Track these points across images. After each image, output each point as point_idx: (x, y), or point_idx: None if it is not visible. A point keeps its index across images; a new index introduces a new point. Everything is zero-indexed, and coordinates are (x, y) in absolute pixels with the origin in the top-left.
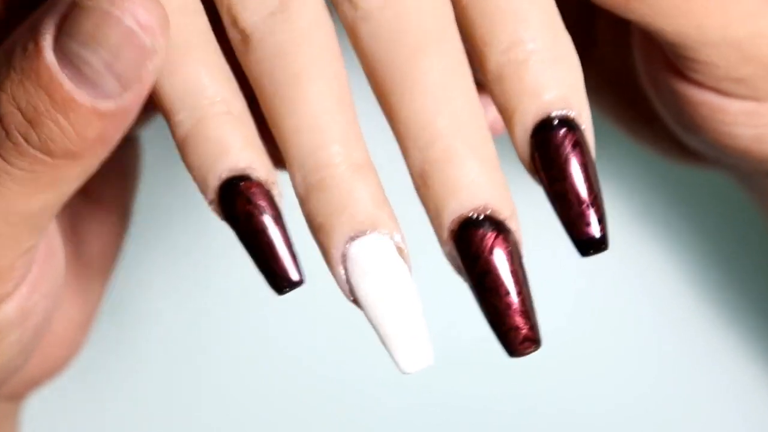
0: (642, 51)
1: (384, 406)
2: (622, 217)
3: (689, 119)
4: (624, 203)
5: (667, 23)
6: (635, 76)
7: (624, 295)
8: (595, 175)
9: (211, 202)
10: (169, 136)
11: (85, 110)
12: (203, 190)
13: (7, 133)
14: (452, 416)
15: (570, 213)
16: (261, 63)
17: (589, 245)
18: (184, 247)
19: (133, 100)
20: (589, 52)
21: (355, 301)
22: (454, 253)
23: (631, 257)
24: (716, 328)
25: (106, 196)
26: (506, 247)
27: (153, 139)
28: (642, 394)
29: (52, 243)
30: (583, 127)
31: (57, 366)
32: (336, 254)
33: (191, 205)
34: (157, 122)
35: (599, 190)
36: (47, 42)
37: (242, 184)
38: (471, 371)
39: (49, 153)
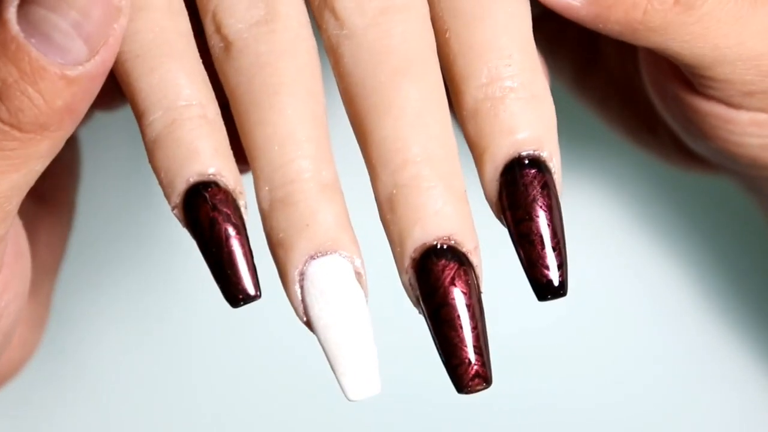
0: (648, 62)
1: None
2: (620, 219)
3: (697, 129)
4: (619, 202)
5: (682, 47)
6: (640, 84)
7: (621, 295)
8: (561, 221)
9: (174, 207)
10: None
11: (53, 77)
12: (168, 194)
13: None
14: (452, 417)
15: (531, 254)
16: (240, 71)
17: (546, 290)
18: (129, 253)
19: (100, 66)
20: (594, 61)
21: (308, 323)
22: (414, 281)
23: (628, 257)
24: (714, 329)
25: (53, 194)
26: (466, 281)
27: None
28: (639, 394)
29: (20, 242)
30: (553, 170)
31: (12, 369)
32: (293, 272)
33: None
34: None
35: (563, 236)
36: (11, 14)
37: (209, 190)
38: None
39: (18, 127)
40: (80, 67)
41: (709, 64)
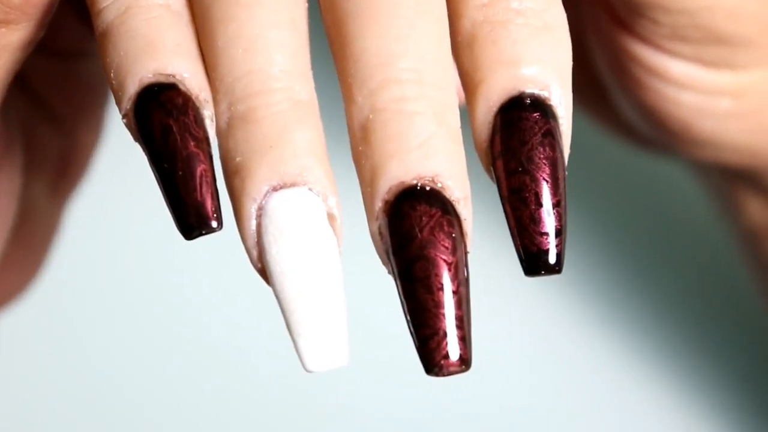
0: (589, 1)
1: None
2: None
3: (631, 79)
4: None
5: None
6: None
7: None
8: (564, 180)
9: (125, 116)
10: None
11: None
12: (118, 99)
13: None
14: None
15: (523, 215)
16: None
17: (538, 262)
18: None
19: None
20: None
21: (262, 270)
22: (384, 230)
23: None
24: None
25: (71, 114)
26: (450, 233)
27: None
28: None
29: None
30: (560, 118)
31: (6, 293)
32: (250, 204)
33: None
34: None
35: (564, 198)
36: None
37: (166, 92)
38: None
39: None
40: None
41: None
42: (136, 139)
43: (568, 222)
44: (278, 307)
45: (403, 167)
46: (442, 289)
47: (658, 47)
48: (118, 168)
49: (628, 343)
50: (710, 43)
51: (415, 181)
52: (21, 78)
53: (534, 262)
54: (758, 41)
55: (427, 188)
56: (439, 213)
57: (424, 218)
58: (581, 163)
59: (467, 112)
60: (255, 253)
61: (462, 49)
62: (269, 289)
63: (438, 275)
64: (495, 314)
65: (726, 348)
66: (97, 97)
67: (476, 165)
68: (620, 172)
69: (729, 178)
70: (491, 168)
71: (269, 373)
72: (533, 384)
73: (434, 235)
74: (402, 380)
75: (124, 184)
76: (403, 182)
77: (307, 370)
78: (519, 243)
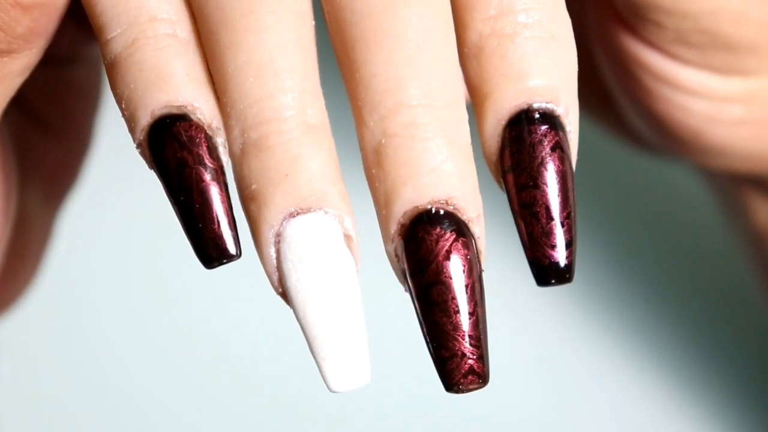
0: (595, 5)
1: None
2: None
3: (639, 87)
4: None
5: None
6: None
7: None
8: (573, 191)
9: (138, 145)
10: None
11: (7, 7)
12: (131, 129)
13: None
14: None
15: (534, 229)
16: None
17: (549, 272)
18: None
19: None
20: None
21: (284, 295)
22: (401, 252)
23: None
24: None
25: (61, 121)
26: (465, 255)
27: None
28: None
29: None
30: (568, 129)
31: (5, 300)
32: (268, 231)
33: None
34: None
35: (575, 209)
36: None
37: (178, 124)
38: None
39: None
40: None
41: (645, 3)
42: (150, 167)
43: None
44: (300, 331)
45: (417, 192)
46: (459, 312)
47: (666, 52)
48: (109, 174)
49: (630, 344)
50: (717, 49)
51: (429, 206)
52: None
53: (545, 273)
54: (765, 47)
55: (441, 211)
56: (454, 236)
57: (440, 242)
58: (584, 165)
59: (475, 119)
60: (276, 278)
61: (469, 61)
62: (269, 289)
63: (455, 299)
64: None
65: (728, 351)
66: (88, 102)
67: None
68: (623, 173)
69: (737, 182)
70: (501, 180)
71: (269, 372)
72: (535, 385)
73: (450, 259)
74: (404, 382)
75: (116, 190)
76: (417, 207)
77: (331, 391)
78: (531, 256)
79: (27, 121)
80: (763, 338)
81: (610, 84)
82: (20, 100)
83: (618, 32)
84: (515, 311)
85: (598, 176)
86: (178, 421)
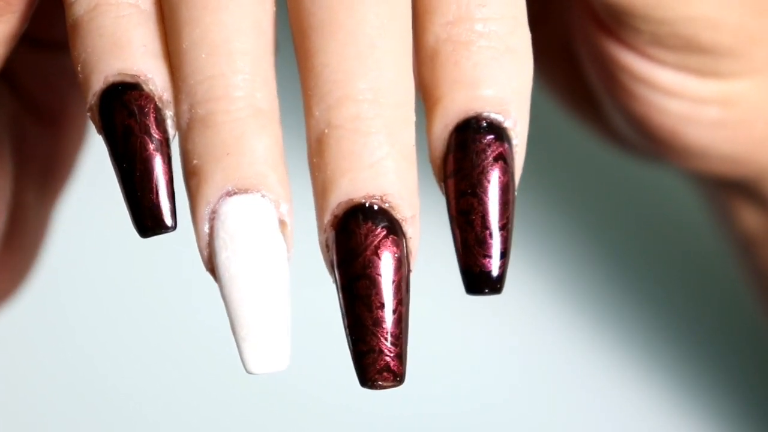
0: (577, 8)
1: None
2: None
3: (619, 87)
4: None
5: None
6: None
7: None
8: (512, 204)
9: (89, 110)
10: None
11: None
12: (83, 92)
13: None
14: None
15: (468, 237)
16: None
17: (479, 282)
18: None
19: None
20: (541, 26)
21: (212, 271)
22: (331, 243)
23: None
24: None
25: (53, 111)
26: (394, 253)
27: None
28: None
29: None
30: (515, 141)
31: (1, 294)
32: (204, 207)
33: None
34: None
35: (511, 221)
36: None
37: (129, 93)
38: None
39: None
40: None
41: (623, 8)
42: (99, 132)
43: (567, 225)
44: (224, 309)
45: (353, 185)
46: (381, 307)
47: (643, 54)
48: (106, 165)
49: (630, 344)
50: (693, 52)
51: (364, 200)
52: (9, 75)
53: (476, 282)
54: (742, 51)
55: (375, 207)
56: (385, 232)
57: (369, 237)
58: (576, 166)
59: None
60: (206, 254)
61: (424, 64)
62: None
63: (378, 294)
64: (490, 314)
65: (721, 350)
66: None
67: None
68: (615, 175)
69: (722, 185)
70: (443, 184)
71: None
72: (529, 385)
73: (378, 255)
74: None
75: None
76: (352, 199)
77: (247, 372)
78: (462, 263)
79: (21, 109)
80: (757, 339)
81: (595, 86)
82: (14, 87)
83: (599, 35)
84: (511, 312)
85: (594, 178)
86: (177, 421)
